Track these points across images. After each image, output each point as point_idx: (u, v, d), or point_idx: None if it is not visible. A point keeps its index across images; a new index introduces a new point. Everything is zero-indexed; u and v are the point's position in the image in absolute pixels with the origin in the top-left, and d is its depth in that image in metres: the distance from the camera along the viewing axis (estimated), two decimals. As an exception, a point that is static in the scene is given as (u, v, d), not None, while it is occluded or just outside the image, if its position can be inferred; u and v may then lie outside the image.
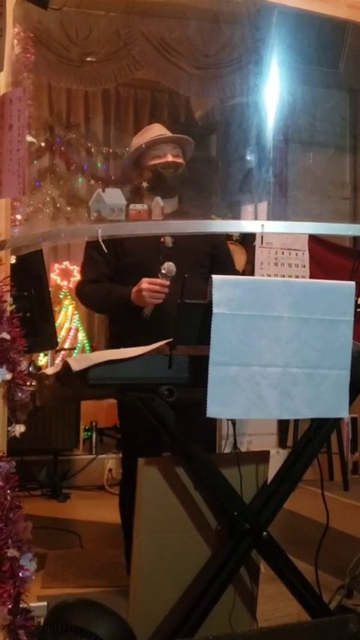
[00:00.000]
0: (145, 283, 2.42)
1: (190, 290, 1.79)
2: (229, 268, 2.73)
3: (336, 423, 2.24)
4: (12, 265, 1.87)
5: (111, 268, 2.61)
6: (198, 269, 2.54)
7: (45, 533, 3.52)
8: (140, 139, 2.69)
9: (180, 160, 2.66)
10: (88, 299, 2.71)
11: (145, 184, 2.63)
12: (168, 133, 2.70)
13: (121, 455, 2.96)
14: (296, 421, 4.65)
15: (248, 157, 4.57)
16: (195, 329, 1.75)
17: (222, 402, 1.72)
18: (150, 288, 2.42)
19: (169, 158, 2.61)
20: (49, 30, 4.89)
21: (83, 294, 2.71)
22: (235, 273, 2.84)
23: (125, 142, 6.41)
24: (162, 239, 2.55)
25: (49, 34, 4.91)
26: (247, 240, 4.87)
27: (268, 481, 2.11)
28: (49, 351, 5.05)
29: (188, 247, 2.55)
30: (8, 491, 1.67)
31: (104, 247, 1.74)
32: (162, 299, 2.42)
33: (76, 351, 5.82)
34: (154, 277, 2.44)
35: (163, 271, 2.41)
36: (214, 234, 2.65)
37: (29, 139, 1.87)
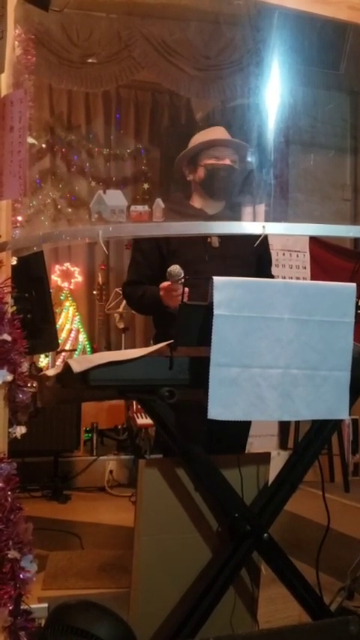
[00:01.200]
0: (161, 289, 2.45)
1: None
2: (268, 271, 2.77)
3: (337, 424, 2.24)
4: (13, 267, 1.87)
5: (155, 270, 2.59)
6: (245, 269, 2.50)
7: (46, 535, 3.52)
8: (201, 137, 2.71)
9: (236, 167, 2.67)
10: (128, 300, 2.79)
11: (197, 181, 2.65)
12: (226, 136, 2.73)
13: (125, 456, 2.95)
14: (297, 423, 4.66)
15: (249, 159, 4.56)
16: (196, 330, 1.75)
17: (223, 403, 1.71)
18: (165, 290, 2.44)
19: (227, 162, 2.64)
20: (50, 31, 4.90)
21: (125, 295, 2.81)
22: (271, 276, 2.85)
23: (126, 144, 6.43)
24: (208, 239, 2.55)
25: (50, 35, 4.92)
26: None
27: (269, 483, 2.11)
28: (50, 353, 5.05)
29: (235, 248, 2.54)
30: (9, 493, 1.67)
31: (105, 249, 1.74)
32: (178, 300, 2.38)
33: (76, 352, 5.83)
34: (201, 277, 2.42)
35: (169, 276, 2.39)
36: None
37: (30, 140, 1.87)
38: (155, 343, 2.59)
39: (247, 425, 2.59)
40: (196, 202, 2.69)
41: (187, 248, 2.51)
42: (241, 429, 2.44)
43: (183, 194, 2.75)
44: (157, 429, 2.59)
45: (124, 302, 5.36)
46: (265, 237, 2.78)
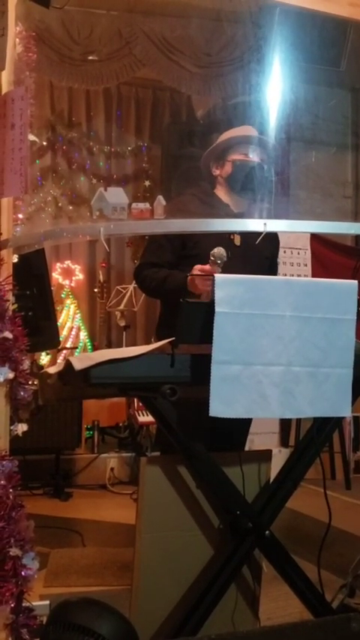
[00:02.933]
0: (196, 270, 2.37)
1: None
2: (276, 270, 2.80)
3: (338, 421, 2.23)
4: (14, 264, 1.87)
5: (175, 255, 2.56)
6: (262, 269, 2.52)
7: (47, 532, 3.52)
8: (233, 133, 2.71)
9: (263, 164, 2.67)
10: (145, 281, 2.62)
11: (223, 175, 2.66)
12: (254, 134, 2.73)
13: (126, 454, 2.94)
14: (298, 420, 4.66)
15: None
16: (197, 328, 1.75)
17: (225, 401, 1.71)
18: (200, 274, 2.35)
19: (256, 159, 2.64)
20: (51, 29, 4.90)
21: (142, 276, 2.63)
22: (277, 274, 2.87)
23: (127, 141, 6.43)
24: (231, 236, 2.54)
25: (51, 32, 4.92)
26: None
27: (271, 480, 2.11)
28: (51, 351, 5.05)
29: (254, 247, 2.46)
30: (11, 490, 1.67)
31: (107, 247, 1.73)
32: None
33: (77, 350, 5.83)
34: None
35: (212, 257, 2.29)
36: (276, 237, 2.70)
37: (31, 137, 1.86)
38: (160, 332, 2.59)
39: (246, 423, 2.59)
40: (221, 197, 2.68)
41: (210, 242, 2.43)
42: (241, 426, 2.44)
43: (210, 187, 2.72)
44: (157, 426, 2.57)
45: (125, 299, 5.37)
46: (278, 242, 2.81)
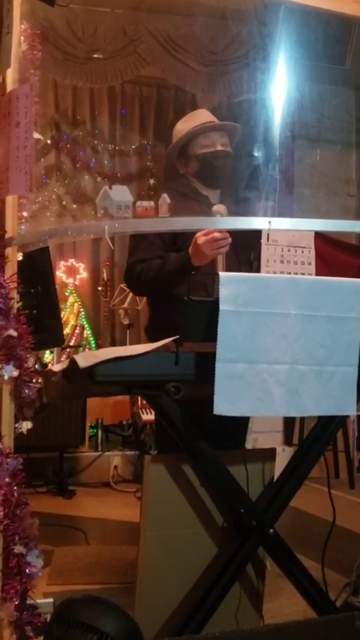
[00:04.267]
0: (200, 237, 2.23)
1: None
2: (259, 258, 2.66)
3: (343, 420, 2.23)
4: (19, 262, 1.87)
5: (167, 251, 2.43)
6: (249, 264, 2.46)
7: (51, 530, 3.53)
8: (186, 125, 2.54)
9: (229, 150, 2.52)
10: (140, 276, 2.42)
11: (191, 173, 2.51)
12: (215, 120, 2.56)
13: (129, 452, 2.90)
14: (302, 419, 4.65)
15: (255, 154, 4.55)
16: (201, 326, 1.75)
17: (229, 399, 1.71)
18: (208, 239, 2.22)
19: (219, 147, 2.48)
20: (55, 27, 4.90)
21: (134, 274, 2.44)
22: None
23: (131, 139, 6.43)
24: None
25: (55, 31, 4.92)
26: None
27: (275, 478, 2.11)
28: (55, 349, 5.06)
29: (241, 241, 2.42)
30: (15, 488, 1.67)
31: (111, 245, 1.73)
32: (227, 247, 2.23)
33: (81, 348, 5.83)
34: (208, 266, 2.26)
35: (217, 215, 2.21)
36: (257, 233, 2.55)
37: (36, 135, 1.87)
38: (151, 334, 2.48)
39: (244, 421, 2.51)
40: (199, 190, 2.55)
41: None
42: (238, 426, 2.40)
43: (185, 189, 2.56)
44: (157, 425, 2.52)
45: (129, 298, 5.37)
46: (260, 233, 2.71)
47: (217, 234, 2.23)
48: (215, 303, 1.72)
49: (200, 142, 2.49)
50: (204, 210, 2.42)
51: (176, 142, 2.55)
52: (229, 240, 2.25)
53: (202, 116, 2.58)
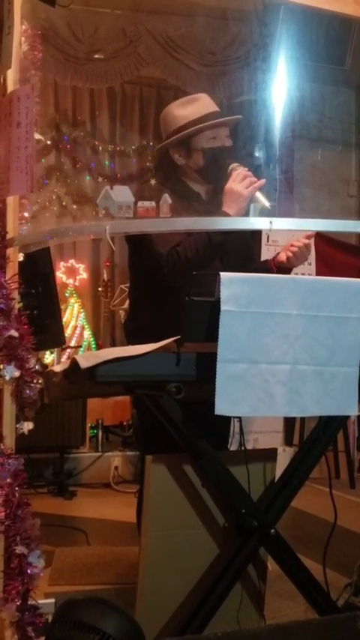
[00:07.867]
0: (233, 182, 2.18)
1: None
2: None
3: (343, 420, 2.23)
4: (20, 263, 1.87)
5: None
6: (242, 265, 2.35)
7: (51, 531, 3.52)
8: (186, 113, 2.36)
9: (231, 145, 2.39)
10: (188, 257, 2.20)
11: (193, 167, 2.37)
12: (216, 108, 2.41)
13: (130, 453, 2.86)
14: (302, 419, 4.64)
15: (256, 154, 4.55)
16: (203, 326, 1.75)
17: (230, 399, 1.71)
18: (240, 177, 2.19)
19: (227, 142, 2.36)
20: (56, 27, 4.90)
21: (180, 259, 2.20)
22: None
23: (131, 140, 6.42)
24: None
25: (55, 31, 4.92)
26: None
27: (276, 479, 2.11)
28: (56, 349, 5.06)
29: (239, 240, 2.36)
30: (17, 488, 1.67)
31: (113, 245, 1.73)
32: (259, 183, 2.19)
33: (81, 349, 5.83)
34: (206, 268, 2.21)
35: (235, 167, 2.19)
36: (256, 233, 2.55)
37: (37, 136, 1.87)
38: (133, 334, 2.39)
39: (227, 420, 2.36)
40: (190, 186, 2.43)
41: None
42: (223, 425, 2.36)
43: (180, 183, 2.41)
44: (141, 426, 2.48)
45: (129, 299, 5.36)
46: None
47: (244, 171, 2.20)
48: (216, 304, 1.72)
49: (206, 135, 2.35)
50: (197, 210, 2.37)
51: (181, 134, 2.34)
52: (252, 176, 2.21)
53: (204, 104, 2.41)
